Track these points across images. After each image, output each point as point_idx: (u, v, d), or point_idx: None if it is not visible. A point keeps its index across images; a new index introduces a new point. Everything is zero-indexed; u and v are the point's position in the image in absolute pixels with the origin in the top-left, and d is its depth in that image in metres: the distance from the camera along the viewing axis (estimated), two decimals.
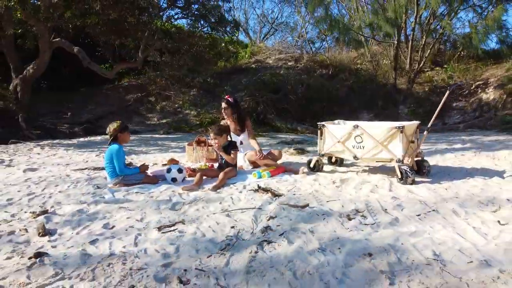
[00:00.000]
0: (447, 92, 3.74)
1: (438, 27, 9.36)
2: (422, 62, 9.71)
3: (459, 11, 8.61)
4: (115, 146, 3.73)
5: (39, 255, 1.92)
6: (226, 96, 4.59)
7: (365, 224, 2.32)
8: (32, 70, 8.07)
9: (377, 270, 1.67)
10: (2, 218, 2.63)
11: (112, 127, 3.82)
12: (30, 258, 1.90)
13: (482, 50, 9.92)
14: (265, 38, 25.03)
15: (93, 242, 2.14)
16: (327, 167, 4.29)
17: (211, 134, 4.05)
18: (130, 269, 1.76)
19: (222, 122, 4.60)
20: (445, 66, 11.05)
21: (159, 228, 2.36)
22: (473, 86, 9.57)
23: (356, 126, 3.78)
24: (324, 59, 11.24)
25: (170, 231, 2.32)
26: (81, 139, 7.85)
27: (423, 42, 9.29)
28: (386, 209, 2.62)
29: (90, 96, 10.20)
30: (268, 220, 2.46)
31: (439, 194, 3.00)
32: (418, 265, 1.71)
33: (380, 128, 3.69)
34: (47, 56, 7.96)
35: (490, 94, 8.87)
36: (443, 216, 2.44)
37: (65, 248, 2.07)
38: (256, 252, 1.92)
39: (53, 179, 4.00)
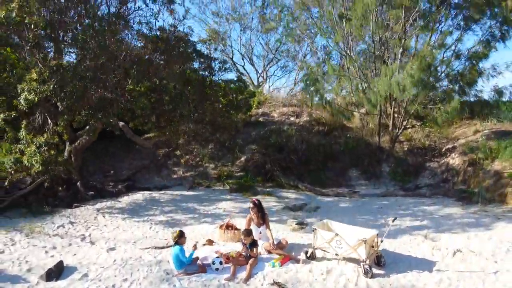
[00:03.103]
0: (390, 223, 5.75)
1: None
2: (402, 128, 11.70)
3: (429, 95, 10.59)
4: (177, 248, 5.71)
5: None
6: (253, 199, 6.63)
7: None
8: (85, 141, 10.05)
9: None
10: None
11: (173, 235, 5.80)
12: None
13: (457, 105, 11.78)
14: (268, 66, 27.04)
15: None
16: (318, 253, 6.28)
17: (242, 236, 6.04)
18: None
19: (247, 216, 6.62)
20: (424, 121, 13.04)
21: None
22: (443, 150, 11.58)
23: (336, 234, 5.78)
24: (320, 117, 13.26)
25: None
26: (126, 197, 9.87)
27: (401, 118, 11.28)
28: None
29: (125, 151, 12.21)
30: None
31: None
32: None
33: (352, 237, 5.69)
34: (99, 130, 9.95)
35: (455, 160, 10.86)
36: None
37: None
38: None
39: (133, 262, 5.99)
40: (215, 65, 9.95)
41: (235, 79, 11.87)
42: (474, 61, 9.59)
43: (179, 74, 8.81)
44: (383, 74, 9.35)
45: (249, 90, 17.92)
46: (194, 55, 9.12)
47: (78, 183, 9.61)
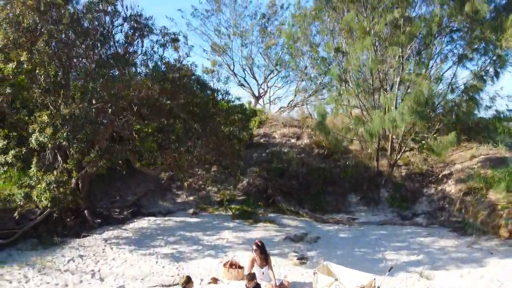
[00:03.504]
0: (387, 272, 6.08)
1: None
2: (400, 153, 12.00)
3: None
4: None
5: None
6: (257, 241, 6.94)
7: None
8: (92, 170, 10.34)
9: None
10: None
11: (181, 281, 6.11)
12: None
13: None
14: (269, 76, 27.27)
15: None
16: None
17: (246, 281, 6.35)
18: None
19: (250, 257, 6.92)
20: (422, 142, 13.33)
21: None
22: (440, 175, 11.89)
23: (336, 279, 6.10)
24: (320, 140, 13.56)
25: None
26: (132, 225, 10.17)
27: (399, 143, 11.60)
28: None
29: (130, 175, 12.47)
30: None
31: None
32: None
33: (351, 283, 6.01)
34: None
35: (451, 187, 11.17)
36: None
37: None
38: None
39: None
40: (217, 95, 10.27)
41: (237, 102, 12.15)
42: (470, 93, 9.91)
43: (182, 105, 9.11)
44: (377, 113, 9.68)
45: (251, 109, 18.23)
46: (198, 88, 9.42)
47: (86, 212, 9.91)
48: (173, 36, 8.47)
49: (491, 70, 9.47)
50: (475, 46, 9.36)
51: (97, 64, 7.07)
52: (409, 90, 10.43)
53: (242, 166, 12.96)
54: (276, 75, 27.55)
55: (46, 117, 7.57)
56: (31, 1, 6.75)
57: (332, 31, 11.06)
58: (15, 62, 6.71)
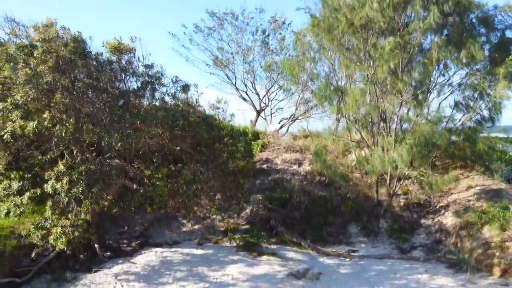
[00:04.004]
0: None
1: None
2: (399, 184, 12.41)
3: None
4: None
5: None
6: (262, 286, 7.34)
7: None
8: (100, 206, 10.72)
9: None
10: None
11: None
12: None
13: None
14: (271, 89, 27.57)
15: None
16: None
17: None
18: None
19: None
20: (421, 170, 13.73)
21: None
22: (438, 206, 12.31)
23: None
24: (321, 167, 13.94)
25: None
26: (140, 257, 10.57)
27: (397, 178, 12.00)
28: None
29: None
30: None
31: None
32: None
33: None
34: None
35: (448, 220, 11.58)
36: None
37: None
38: None
39: None
40: (223, 133, 10.71)
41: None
42: (468, 134, 10.32)
43: (190, 148, 9.52)
44: (377, 152, 10.09)
45: (254, 131, 18.61)
46: (205, 129, 9.83)
47: (96, 246, 10.30)
48: (184, 84, 8.89)
49: (487, 113, 9.88)
50: (470, 94, 9.79)
51: (112, 119, 7.44)
52: (407, 126, 10.85)
53: (245, 194, 13.39)
54: (277, 89, 27.93)
55: (62, 166, 7.97)
56: (50, 62, 7.12)
57: (333, 65, 11.45)
58: (35, 121, 7.08)
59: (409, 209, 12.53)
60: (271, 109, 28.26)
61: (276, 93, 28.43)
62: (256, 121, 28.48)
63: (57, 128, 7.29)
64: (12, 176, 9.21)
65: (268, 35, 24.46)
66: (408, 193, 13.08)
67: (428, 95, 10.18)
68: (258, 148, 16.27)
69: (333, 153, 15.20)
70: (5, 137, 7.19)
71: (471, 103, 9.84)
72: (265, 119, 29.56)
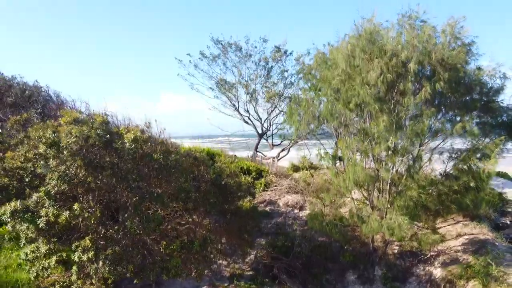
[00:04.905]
0: None
1: None
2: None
3: None
4: None
5: None
6: None
7: None
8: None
9: None
10: None
11: None
12: None
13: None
14: (272, 113, 28.47)
15: None
16: None
17: None
18: None
19: None
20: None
21: None
22: (428, 255, 13.25)
23: None
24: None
25: None
26: None
27: None
28: None
29: None
30: None
31: None
32: None
33: None
34: None
35: (437, 271, 12.52)
36: None
37: None
38: None
39: None
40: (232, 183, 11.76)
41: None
42: (457, 198, 11.25)
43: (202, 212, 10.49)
44: (374, 216, 11.02)
45: (257, 168, 19.51)
46: (216, 192, 10.79)
47: None
48: (194, 156, 9.88)
49: (473, 184, 10.78)
50: (460, 167, 10.70)
51: (136, 208, 8.35)
52: (400, 188, 11.75)
53: (249, 240, 14.34)
54: (278, 113, 28.87)
55: (88, 241, 8.89)
56: (80, 160, 8.02)
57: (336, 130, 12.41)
58: (67, 211, 8.00)
59: (402, 257, 13.47)
60: (273, 134, 29.24)
61: (277, 116, 29.38)
62: (258, 144, 29.49)
63: (86, 215, 8.20)
64: (40, 239, 10.16)
65: (271, 68, 25.32)
66: (402, 239, 14.01)
67: (420, 162, 11.06)
68: (261, 188, 17.23)
69: (332, 191, 16.18)
70: (41, 225, 8.09)
71: (461, 175, 10.70)
72: (266, 140, 30.58)
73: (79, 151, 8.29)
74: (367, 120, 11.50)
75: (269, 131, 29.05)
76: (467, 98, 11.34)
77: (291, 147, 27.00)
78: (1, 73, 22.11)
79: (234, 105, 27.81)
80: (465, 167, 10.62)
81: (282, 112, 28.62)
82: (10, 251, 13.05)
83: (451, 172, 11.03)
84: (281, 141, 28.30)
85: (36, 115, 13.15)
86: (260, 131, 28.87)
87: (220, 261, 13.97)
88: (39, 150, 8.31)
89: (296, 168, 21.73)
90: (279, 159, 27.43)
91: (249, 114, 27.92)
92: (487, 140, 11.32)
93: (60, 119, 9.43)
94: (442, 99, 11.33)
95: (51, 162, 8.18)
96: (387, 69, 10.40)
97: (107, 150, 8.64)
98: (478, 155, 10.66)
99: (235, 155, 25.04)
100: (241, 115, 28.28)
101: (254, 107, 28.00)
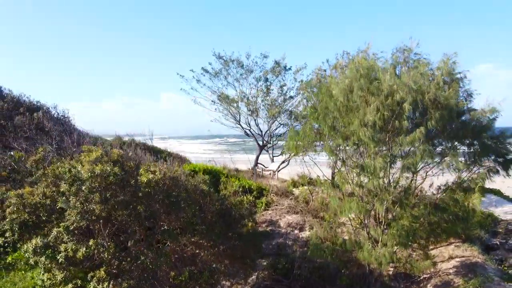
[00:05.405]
0: None
1: None
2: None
3: None
4: None
5: None
6: None
7: None
8: None
9: None
10: None
11: None
12: None
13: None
14: (273, 125, 29.16)
15: None
16: None
17: None
18: None
19: None
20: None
21: None
22: (421, 277, 13.92)
23: None
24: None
25: None
26: None
27: None
28: None
29: None
30: None
31: None
32: None
33: None
34: None
35: None
36: None
37: None
38: None
39: None
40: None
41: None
42: (446, 227, 11.95)
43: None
44: (366, 245, 11.71)
45: (258, 187, 20.16)
46: (223, 223, 11.45)
47: None
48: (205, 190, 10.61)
49: (461, 214, 11.48)
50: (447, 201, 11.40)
51: (149, 242, 9.00)
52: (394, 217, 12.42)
53: (251, 261, 14.99)
54: (278, 126, 29.59)
55: (103, 273, 9.53)
56: (98, 197, 8.67)
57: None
58: (84, 248, 8.64)
59: (397, 279, 14.14)
60: (273, 146, 29.93)
61: (277, 128, 30.08)
62: (258, 156, 30.18)
63: (101, 250, 8.84)
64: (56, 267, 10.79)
65: (271, 84, 25.99)
66: (396, 261, 14.68)
67: (411, 192, 11.75)
68: (262, 207, 17.89)
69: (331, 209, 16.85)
70: (60, 260, 8.73)
71: (449, 207, 11.39)
72: (267, 151, 31.29)
73: (98, 188, 8.92)
74: (364, 152, 12.15)
75: (269, 144, 29.78)
76: (459, 132, 12.02)
77: (290, 159, 27.71)
78: (9, 90, 22.68)
79: (235, 117, 28.52)
80: (451, 202, 11.30)
81: (282, 125, 29.33)
82: (23, 272, 13.72)
83: (439, 204, 11.70)
84: (281, 153, 29.01)
85: (51, 149, 13.76)
86: (261, 143, 29.58)
87: (224, 282, 14.62)
88: (60, 189, 8.92)
89: (295, 184, 22.43)
90: (279, 170, 28.14)
91: (250, 127, 28.62)
92: (476, 169, 12.01)
93: (80, 155, 10.09)
94: (434, 134, 12.00)
95: (71, 199, 8.81)
96: (383, 107, 11.07)
97: (122, 188, 9.27)
98: (465, 186, 11.32)
99: (236, 168, 25.67)
100: (242, 128, 28.98)
101: (255, 120, 28.69)
